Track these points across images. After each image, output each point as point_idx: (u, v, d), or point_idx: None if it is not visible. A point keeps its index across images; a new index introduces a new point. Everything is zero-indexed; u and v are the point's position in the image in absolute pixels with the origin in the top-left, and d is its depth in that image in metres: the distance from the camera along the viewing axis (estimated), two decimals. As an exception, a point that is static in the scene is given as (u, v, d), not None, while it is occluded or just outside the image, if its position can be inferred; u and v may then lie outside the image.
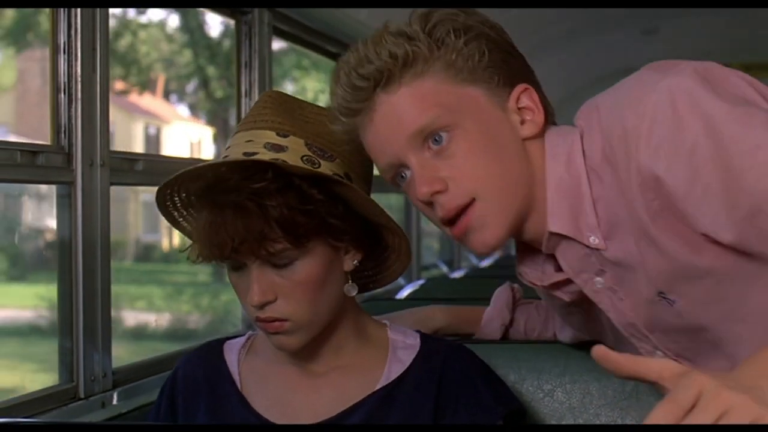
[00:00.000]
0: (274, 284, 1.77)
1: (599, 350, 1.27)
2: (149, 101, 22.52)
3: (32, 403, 2.36)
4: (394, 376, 1.87)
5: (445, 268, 6.73)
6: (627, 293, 1.74)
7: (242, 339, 2.01)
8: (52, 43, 2.49)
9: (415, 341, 1.93)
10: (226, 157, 1.79)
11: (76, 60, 2.48)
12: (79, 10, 2.47)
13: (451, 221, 1.71)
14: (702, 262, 1.60)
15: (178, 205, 1.90)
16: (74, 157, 2.48)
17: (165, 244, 17.16)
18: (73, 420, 2.38)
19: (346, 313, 1.90)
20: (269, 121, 1.83)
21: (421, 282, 4.70)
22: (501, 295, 2.34)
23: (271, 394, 1.90)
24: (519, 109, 1.72)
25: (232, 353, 1.98)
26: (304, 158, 1.78)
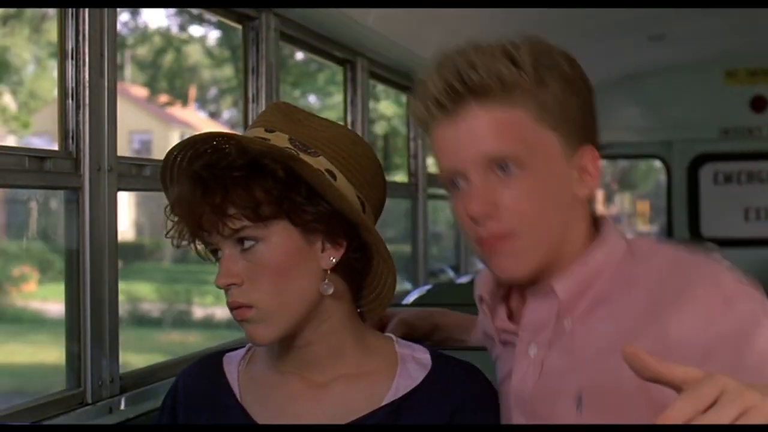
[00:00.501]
0: (240, 267, 1.79)
1: (630, 349, 1.29)
2: (187, 113, 22.89)
3: (40, 408, 2.36)
4: (402, 391, 1.86)
5: (451, 273, 6.73)
6: (548, 375, 1.78)
7: (242, 351, 2.00)
8: (60, 48, 2.50)
9: (425, 356, 1.91)
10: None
11: (84, 65, 2.49)
12: (87, 15, 2.47)
13: (486, 241, 1.75)
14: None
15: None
16: (82, 162, 2.48)
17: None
18: (80, 424, 2.38)
19: (341, 317, 1.88)
20: (262, 120, 1.88)
21: (427, 287, 4.70)
22: None
23: (272, 406, 1.89)
24: (580, 167, 1.76)
25: (231, 365, 1.98)
26: (284, 148, 1.81)
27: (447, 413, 1.83)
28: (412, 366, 1.89)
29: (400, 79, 5.25)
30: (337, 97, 7.22)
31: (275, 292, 1.80)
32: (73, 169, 2.47)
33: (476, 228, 1.73)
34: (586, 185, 1.77)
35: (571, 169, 1.75)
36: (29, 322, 12.63)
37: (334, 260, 1.84)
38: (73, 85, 2.48)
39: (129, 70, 22.64)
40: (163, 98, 21.69)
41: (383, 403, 1.84)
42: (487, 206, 1.71)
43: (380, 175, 1.93)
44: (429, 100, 1.75)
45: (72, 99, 2.48)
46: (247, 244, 1.78)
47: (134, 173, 2.72)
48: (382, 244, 1.87)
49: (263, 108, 3.46)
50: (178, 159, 1.84)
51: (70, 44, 2.48)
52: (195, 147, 1.82)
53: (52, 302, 12.82)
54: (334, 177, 1.82)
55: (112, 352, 2.55)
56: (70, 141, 2.48)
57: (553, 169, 1.73)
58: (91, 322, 2.49)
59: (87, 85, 2.49)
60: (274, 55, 3.55)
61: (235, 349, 2.02)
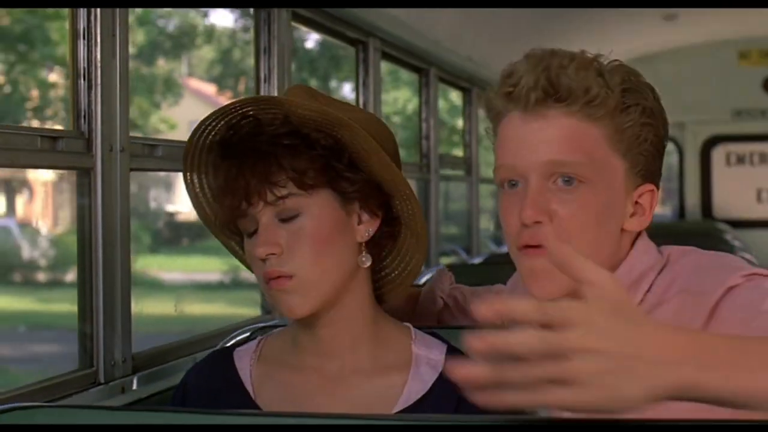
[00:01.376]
0: (280, 237, 1.79)
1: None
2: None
3: (53, 387, 2.37)
4: (414, 398, 1.85)
5: (464, 255, 6.73)
6: None
7: (252, 344, 1.98)
8: (71, 28, 2.50)
9: (439, 356, 1.90)
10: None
11: (95, 45, 2.48)
12: (98, -5, 2.47)
13: (530, 248, 1.73)
14: None
15: (205, 186, 1.94)
16: (94, 142, 2.48)
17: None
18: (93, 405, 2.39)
19: (360, 303, 1.88)
20: (287, 99, 1.86)
21: (440, 268, 4.69)
22: (439, 275, 2.37)
23: (287, 403, 1.87)
24: (636, 202, 1.77)
25: (243, 361, 1.95)
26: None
27: (452, 410, 1.81)
28: (425, 369, 1.88)
29: (412, 60, 5.24)
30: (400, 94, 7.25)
31: (316, 262, 1.80)
32: (85, 149, 2.47)
33: (524, 233, 1.72)
34: (638, 220, 1.77)
35: (629, 201, 1.76)
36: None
37: (370, 232, 1.86)
38: (85, 65, 2.48)
39: (201, 68, 23.97)
40: (229, 94, 22.37)
41: (394, 411, 1.83)
42: (542, 214, 1.71)
43: (397, 153, 1.94)
44: (512, 91, 1.74)
45: (84, 79, 2.48)
46: (289, 213, 1.79)
47: (147, 153, 2.71)
48: (420, 214, 1.88)
49: (275, 88, 3.46)
50: (209, 136, 1.86)
51: (81, 24, 2.48)
52: (228, 117, 1.83)
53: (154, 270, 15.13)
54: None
55: (125, 331, 2.55)
56: (82, 121, 2.48)
57: (613, 195, 1.74)
58: (104, 303, 2.49)
59: (99, 65, 2.48)
60: (286, 35, 3.54)
61: (244, 343, 2.01)
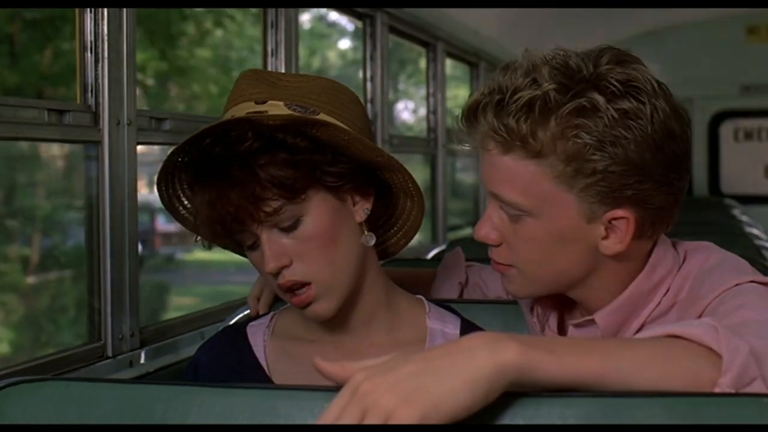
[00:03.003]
0: (286, 247, 1.75)
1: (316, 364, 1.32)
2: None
3: (60, 361, 2.37)
4: None
5: (470, 230, 6.73)
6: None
7: (266, 319, 1.97)
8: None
9: (455, 330, 1.90)
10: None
11: (102, 19, 2.47)
12: (105, -32, 2.46)
13: (493, 265, 1.76)
14: None
15: (185, 202, 1.89)
16: (101, 116, 2.47)
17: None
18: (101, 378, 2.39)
19: (372, 278, 1.87)
20: (247, 94, 1.81)
21: (447, 244, 4.70)
22: (454, 256, 2.36)
23: (302, 377, 1.83)
24: (609, 223, 1.66)
25: (256, 336, 1.93)
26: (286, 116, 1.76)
27: None
28: (440, 343, 1.85)
29: (420, 34, 5.22)
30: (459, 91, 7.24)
31: (328, 262, 1.77)
32: (93, 122, 2.46)
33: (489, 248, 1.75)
34: (611, 245, 1.67)
35: (596, 225, 1.66)
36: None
37: (367, 210, 1.84)
38: (92, 38, 2.47)
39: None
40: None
41: None
42: (491, 235, 1.71)
43: (367, 117, 1.90)
44: (461, 120, 1.72)
45: (91, 52, 2.47)
46: (288, 223, 1.74)
47: (154, 127, 2.71)
48: (412, 179, 1.86)
49: (283, 62, 3.45)
50: (181, 161, 1.79)
51: (88, -3, 2.47)
52: (194, 143, 1.76)
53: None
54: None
55: (132, 305, 2.55)
56: (89, 95, 2.47)
57: (562, 224, 1.66)
58: (111, 277, 2.49)
59: (106, 38, 2.47)
60: (293, 10, 3.53)
61: (257, 318, 2.00)
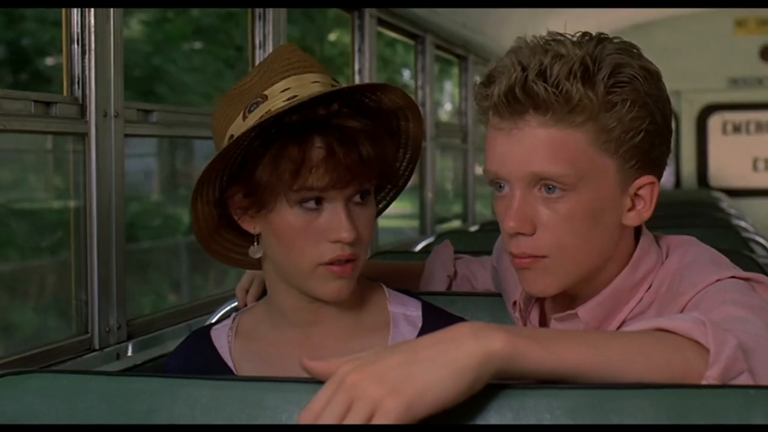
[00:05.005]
0: (355, 221, 1.76)
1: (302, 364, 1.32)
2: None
3: (47, 353, 2.37)
4: None
5: (458, 223, 6.73)
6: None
7: (228, 322, 1.94)
8: (65, -7, 2.48)
9: (416, 312, 1.90)
10: (294, 97, 1.75)
11: (89, 10, 2.46)
12: (92, -41, 2.45)
13: (518, 257, 1.70)
14: None
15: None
16: (88, 108, 2.47)
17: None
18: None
19: None
20: (318, 67, 1.82)
21: (436, 236, 4.70)
22: (443, 248, 2.35)
23: (271, 374, 1.81)
24: (635, 194, 1.68)
25: (220, 339, 1.91)
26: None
27: None
28: (404, 327, 1.87)
29: (409, 27, 5.22)
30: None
31: (369, 244, 1.84)
32: (79, 114, 2.46)
33: (512, 243, 1.68)
34: (638, 214, 1.69)
35: (625, 196, 1.67)
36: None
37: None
38: (79, 30, 2.46)
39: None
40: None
41: None
42: (525, 224, 1.65)
43: None
44: (487, 101, 1.67)
45: (77, 44, 2.46)
46: (361, 200, 1.78)
47: (141, 119, 2.70)
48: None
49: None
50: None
51: (75, -12, 2.46)
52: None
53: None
54: None
55: (120, 298, 2.55)
56: (76, 86, 2.46)
57: (602, 197, 1.65)
58: (99, 269, 2.49)
59: (93, 30, 2.47)
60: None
61: (219, 322, 1.98)
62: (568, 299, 1.77)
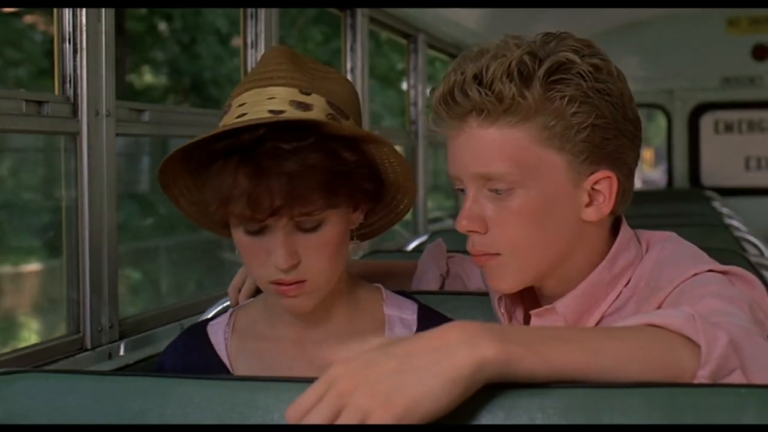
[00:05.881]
0: (298, 246, 1.73)
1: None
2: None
3: (39, 353, 2.36)
4: None
5: (451, 222, 6.73)
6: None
7: (224, 318, 1.94)
8: (57, -9, 2.47)
9: (411, 315, 1.90)
10: (243, 115, 1.72)
11: (80, 9, 2.46)
12: (84, -42, 2.44)
13: (475, 256, 1.73)
14: None
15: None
16: (80, 107, 2.46)
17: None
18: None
19: (341, 276, 1.85)
20: (289, 78, 1.77)
21: (428, 235, 4.70)
22: (435, 247, 2.35)
23: (265, 372, 1.83)
24: (592, 189, 1.69)
25: (217, 335, 1.91)
26: (329, 116, 1.74)
27: None
28: (399, 330, 1.87)
29: (401, 26, 5.22)
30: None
31: (332, 264, 1.76)
32: (71, 113, 2.45)
33: (468, 242, 1.72)
34: (597, 209, 1.70)
35: (580, 191, 1.68)
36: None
37: (361, 217, 1.85)
38: (71, 29, 2.46)
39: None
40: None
41: None
42: (475, 222, 1.69)
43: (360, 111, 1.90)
44: (437, 104, 1.70)
45: (69, 43, 2.46)
46: (311, 224, 1.73)
47: (133, 118, 2.70)
48: (415, 192, 1.88)
49: (261, 54, 3.43)
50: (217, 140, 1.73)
51: (67, -13, 2.46)
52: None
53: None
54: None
55: (111, 297, 2.54)
56: (68, 86, 2.46)
57: (552, 193, 1.67)
58: (90, 268, 2.48)
59: (84, 29, 2.46)
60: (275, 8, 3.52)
61: (216, 317, 1.98)
62: (546, 295, 1.78)
